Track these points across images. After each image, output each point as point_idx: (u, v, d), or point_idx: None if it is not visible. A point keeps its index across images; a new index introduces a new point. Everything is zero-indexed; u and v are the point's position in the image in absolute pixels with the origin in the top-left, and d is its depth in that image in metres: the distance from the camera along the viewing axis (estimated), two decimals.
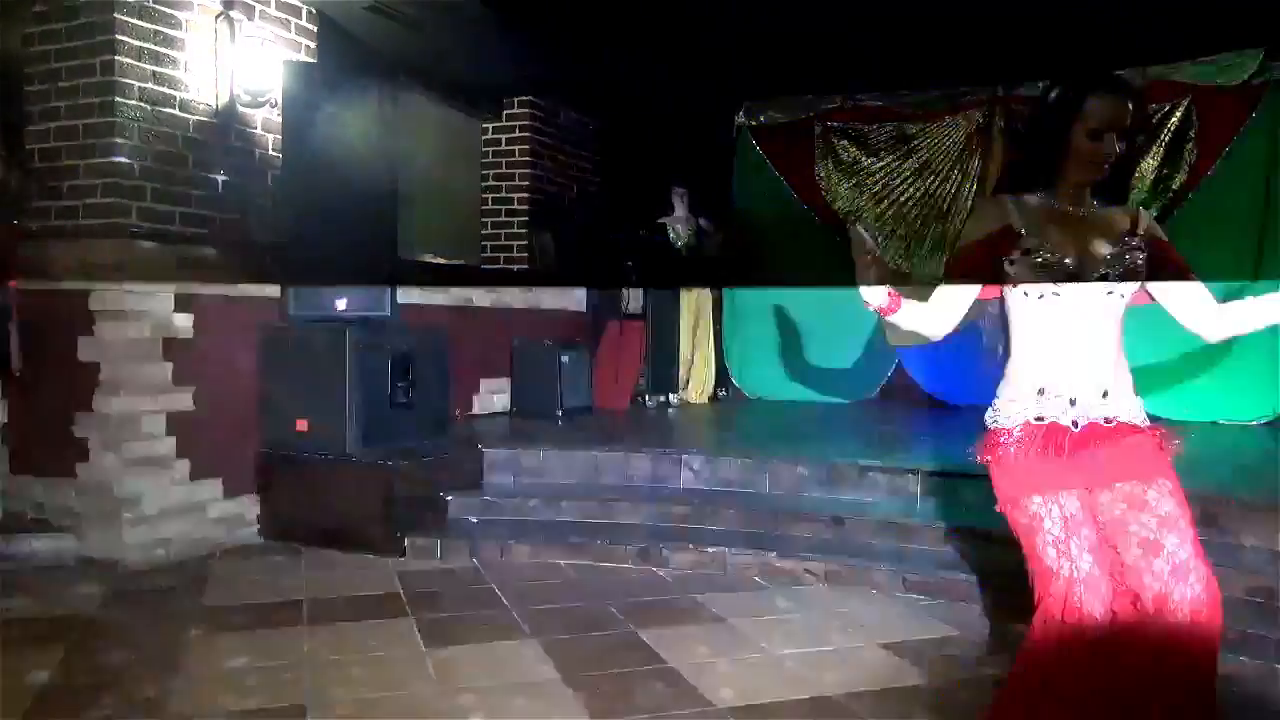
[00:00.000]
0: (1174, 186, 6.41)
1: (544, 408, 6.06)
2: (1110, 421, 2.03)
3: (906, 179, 7.21)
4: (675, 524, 4.39)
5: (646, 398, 7.05)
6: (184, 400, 4.25)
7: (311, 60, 4.86)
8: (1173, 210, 6.42)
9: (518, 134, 6.79)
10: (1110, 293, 2.03)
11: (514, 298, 6.39)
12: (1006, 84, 6.83)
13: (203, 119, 4.34)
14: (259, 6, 4.57)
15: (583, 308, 7.04)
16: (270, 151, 4.66)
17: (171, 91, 4.20)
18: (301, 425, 4.43)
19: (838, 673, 2.99)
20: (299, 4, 4.79)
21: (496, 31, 5.43)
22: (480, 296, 6.11)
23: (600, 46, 5.94)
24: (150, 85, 4.10)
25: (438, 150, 6.43)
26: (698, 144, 7.47)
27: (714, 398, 7.49)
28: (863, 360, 7.37)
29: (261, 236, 4.61)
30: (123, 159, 4.01)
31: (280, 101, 4.57)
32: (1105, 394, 2.04)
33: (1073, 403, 2.03)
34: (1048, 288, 2.03)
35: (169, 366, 4.19)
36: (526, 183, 6.77)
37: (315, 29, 4.90)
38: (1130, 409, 2.05)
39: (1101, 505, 2.03)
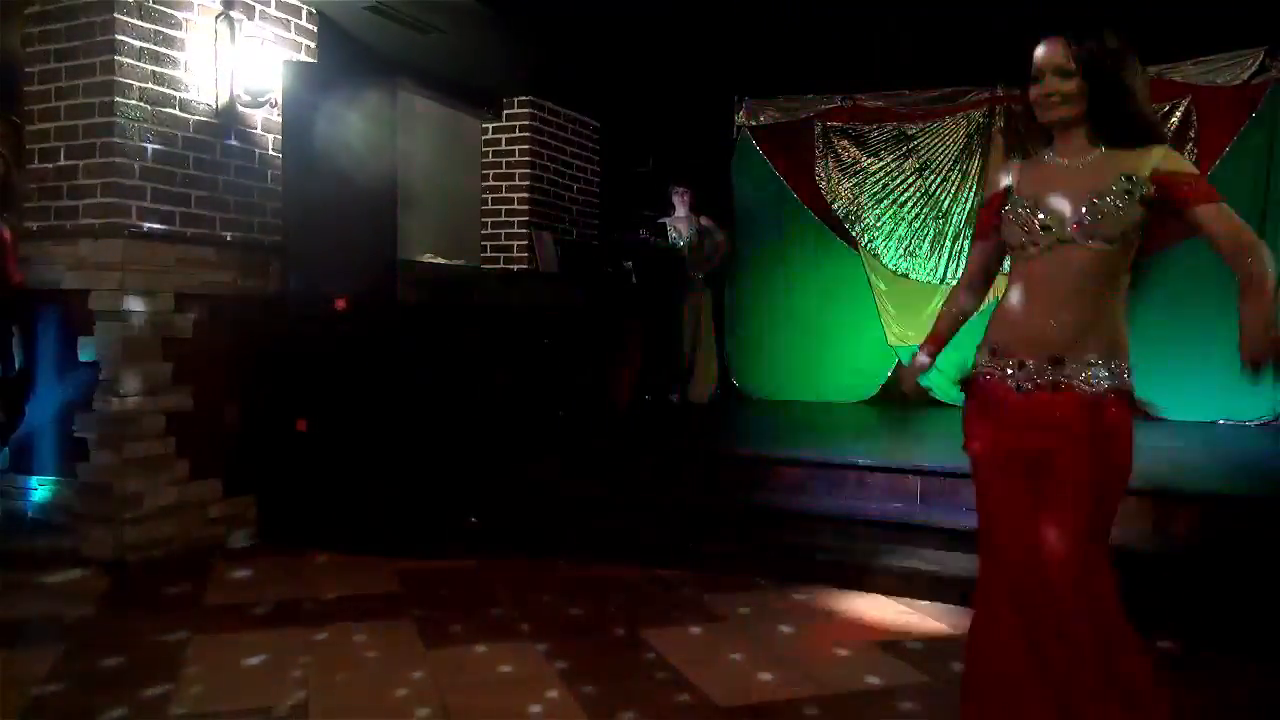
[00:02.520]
0: None
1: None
2: (1060, 388, 1.96)
3: (906, 179, 7.21)
4: (676, 523, 4.39)
5: (648, 397, 7.04)
6: (184, 400, 4.26)
7: (311, 60, 4.86)
8: None
9: (518, 134, 6.79)
10: (1090, 241, 1.95)
11: (513, 298, 6.38)
12: (1006, 84, 6.84)
13: (203, 119, 4.34)
14: (259, 6, 4.57)
15: (582, 307, 7.04)
16: (270, 151, 4.66)
17: (171, 91, 4.20)
18: (301, 425, 4.43)
19: (837, 672, 2.99)
20: (299, 4, 4.80)
21: (496, 31, 5.43)
22: (480, 296, 6.11)
23: (600, 46, 5.94)
24: (150, 85, 4.10)
25: (438, 150, 6.43)
26: (698, 144, 7.47)
27: (714, 397, 7.49)
28: (863, 360, 7.37)
29: (261, 236, 4.61)
30: (123, 159, 4.02)
31: (280, 101, 4.57)
32: (1056, 360, 1.96)
33: (1018, 367, 2.01)
34: (1026, 240, 2.03)
35: (169, 366, 4.20)
36: (526, 183, 6.76)
37: (315, 29, 4.91)
38: (1092, 376, 1.95)
39: (1030, 470, 1.99)
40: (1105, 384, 1.94)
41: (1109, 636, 1.92)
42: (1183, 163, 2.01)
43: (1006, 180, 2.13)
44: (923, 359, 2.27)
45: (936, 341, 2.28)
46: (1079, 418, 1.94)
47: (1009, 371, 2.02)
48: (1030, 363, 1.99)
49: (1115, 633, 1.93)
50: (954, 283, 7.27)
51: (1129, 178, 1.96)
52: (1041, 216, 2.01)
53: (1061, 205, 2.00)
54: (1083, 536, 1.93)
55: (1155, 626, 3.33)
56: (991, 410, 2.06)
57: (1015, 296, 2.06)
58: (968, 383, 2.14)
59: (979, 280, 2.28)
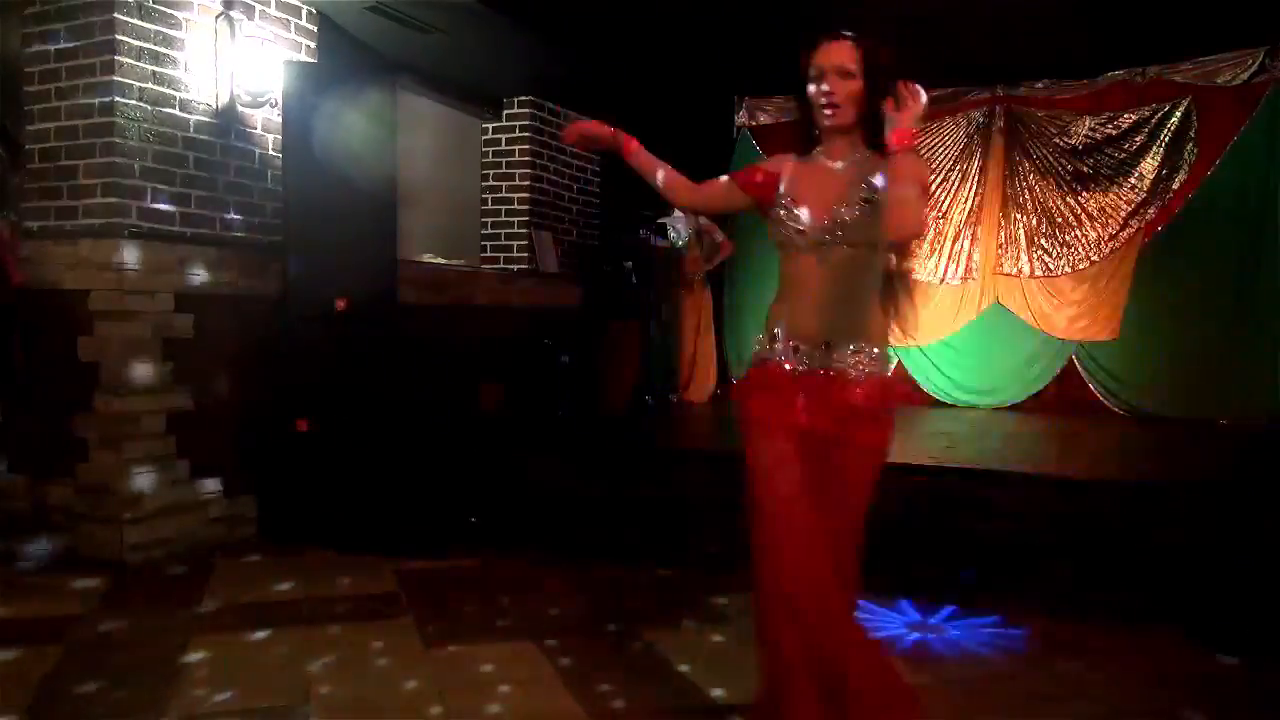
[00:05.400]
0: (1174, 186, 6.42)
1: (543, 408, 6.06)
2: (829, 374, 2.11)
3: None
4: (676, 524, 4.39)
5: (648, 398, 7.04)
6: (184, 400, 4.26)
7: (311, 60, 4.86)
8: (1173, 210, 6.43)
9: (518, 134, 6.79)
10: (842, 245, 2.09)
11: (513, 298, 6.39)
12: (1006, 84, 6.84)
13: (203, 119, 4.34)
14: (259, 6, 4.57)
15: (582, 307, 7.05)
16: (270, 151, 4.66)
17: (171, 91, 4.20)
18: (301, 425, 4.43)
19: None
20: (299, 4, 4.80)
21: (497, 31, 5.43)
22: (480, 296, 6.12)
23: (600, 46, 5.94)
24: (150, 85, 4.10)
25: (438, 150, 6.43)
26: (698, 144, 7.46)
27: (714, 397, 7.49)
28: None
29: (261, 236, 4.61)
30: (123, 159, 4.01)
31: (280, 101, 4.57)
32: (827, 345, 2.11)
33: (795, 350, 2.14)
34: (786, 240, 2.16)
35: (169, 366, 4.20)
36: (526, 183, 6.76)
37: (315, 29, 4.90)
38: (859, 363, 2.11)
39: (811, 458, 2.12)
40: (868, 370, 2.11)
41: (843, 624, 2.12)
42: (918, 166, 2.00)
43: (778, 173, 2.21)
44: (620, 138, 2.38)
45: (647, 159, 2.40)
46: (850, 400, 2.09)
47: (787, 355, 2.16)
48: (804, 347, 2.14)
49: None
50: (954, 283, 7.30)
51: (870, 184, 2.07)
52: (800, 217, 2.13)
53: (815, 211, 2.11)
54: (859, 527, 2.15)
55: (1162, 623, 3.35)
56: (773, 389, 2.17)
57: (786, 290, 2.20)
58: (751, 367, 2.27)
59: (699, 192, 2.41)
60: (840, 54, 2.08)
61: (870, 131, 2.11)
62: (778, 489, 2.15)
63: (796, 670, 2.05)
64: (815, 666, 2.04)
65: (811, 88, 2.11)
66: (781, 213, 2.16)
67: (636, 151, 2.40)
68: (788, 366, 2.15)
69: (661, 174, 2.40)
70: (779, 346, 2.17)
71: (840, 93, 2.08)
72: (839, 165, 2.14)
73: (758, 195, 2.24)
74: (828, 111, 2.10)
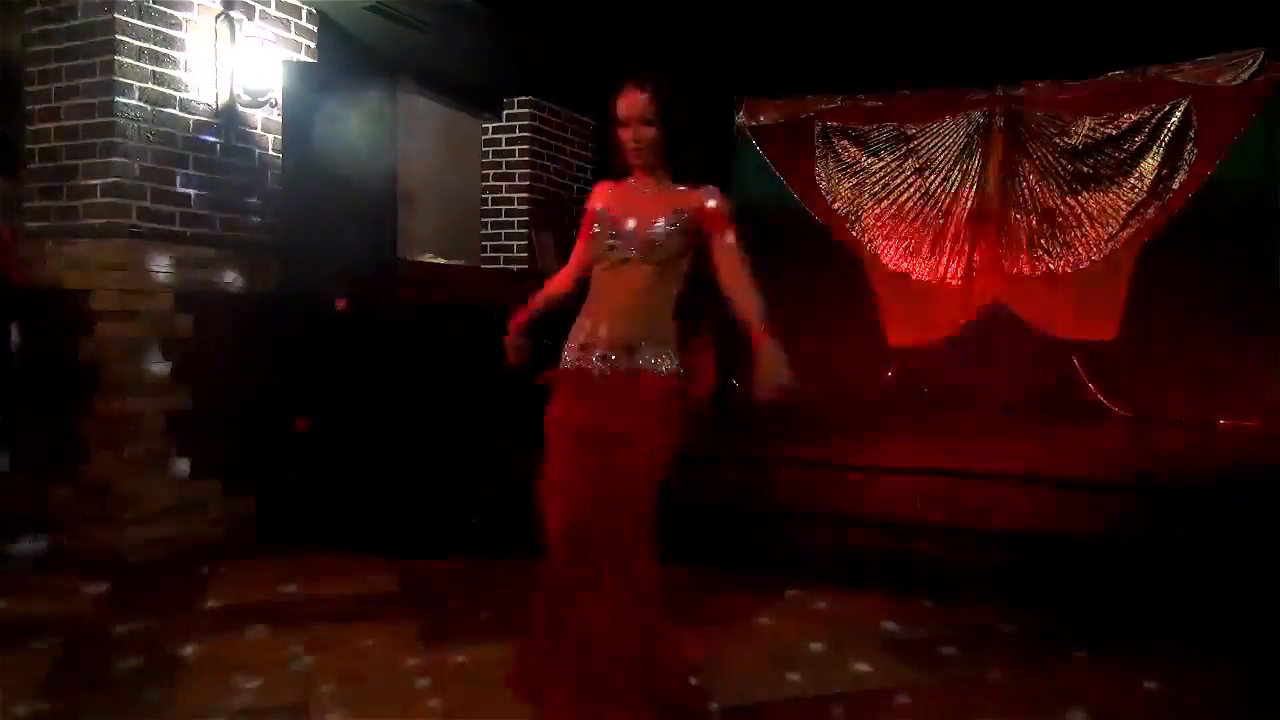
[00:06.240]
0: (1174, 186, 6.42)
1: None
2: (633, 374, 2.39)
3: (906, 179, 7.21)
4: (675, 523, 4.38)
5: None
6: (184, 400, 4.26)
7: (311, 60, 4.86)
8: (1173, 210, 6.43)
9: (518, 134, 6.78)
10: (643, 263, 2.39)
11: (513, 298, 6.38)
12: (1006, 84, 6.84)
13: (203, 119, 4.34)
14: (259, 6, 4.57)
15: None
16: (270, 151, 4.66)
17: (171, 91, 4.20)
18: (301, 425, 4.43)
19: (838, 672, 2.99)
20: (299, 4, 4.80)
21: (496, 31, 5.43)
22: (481, 296, 6.11)
23: (600, 46, 5.94)
24: (150, 85, 4.11)
25: (438, 150, 6.43)
26: (698, 144, 7.45)
27: (713, 397, 7.48)
28: (863, 360, 7.37)
29: (261, 236, 4.61)
30: (123, 159, 4.02)
31: (280, 101, 4.57)
32: (630, 350, 2.40)
33: (601, 358, 2.41)
34: (602, 254, 2.44)
35: (169, 366, 4.20)
36: (526, 183, 6.76)
37: (315, 29, 4.90)
38: (655, 363, 2.41)
39: (601, 450, 2.37)
40: (665, 368, 2.42)
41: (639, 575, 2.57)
42: (724, 204, 2.45)
43: (598, 204, 2.51)
44: (517, 339, 2.67)
45: (529, 313, 2.68)
46: (652, 395, 2.38)
47: (594, 361, 2.41)
48: (612, 355, 2.40)
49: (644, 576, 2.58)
50: (954, 283, 7.31)
51: (679, 212, 2.40)
52: (610, 239, 2.43)
53: (625, 232, 2.41)
54: (651, 496, 2.47)
55: (1162, 624, 3.35)
56: (582, 392, 2.42)
57: (594, 302, 2.48)
58: (558, 372, 2.51)
59: (578, 271, 2.63)
60: (639, 103, 2.41)
61: (672, 170, 2.47)
62: (556, 482, 2.47)
63: (568, 644, 2.39)
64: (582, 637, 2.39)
65: (620, 131, 2.44)
66: (598, 229, 2.45)
67: (521, 315, 2.72)
68: (594, 371, 2.41)
69: (544, 297, 2.70)
70: (585, 353, 2.44)
71: (642, 139, 2.41)
72: (649, 192, 2.46)
73: (591, 228, 2.50)
74: (632, 155, 2.43)
